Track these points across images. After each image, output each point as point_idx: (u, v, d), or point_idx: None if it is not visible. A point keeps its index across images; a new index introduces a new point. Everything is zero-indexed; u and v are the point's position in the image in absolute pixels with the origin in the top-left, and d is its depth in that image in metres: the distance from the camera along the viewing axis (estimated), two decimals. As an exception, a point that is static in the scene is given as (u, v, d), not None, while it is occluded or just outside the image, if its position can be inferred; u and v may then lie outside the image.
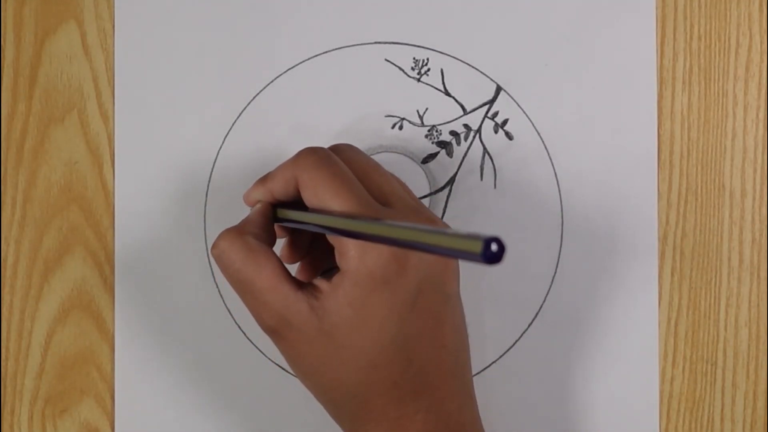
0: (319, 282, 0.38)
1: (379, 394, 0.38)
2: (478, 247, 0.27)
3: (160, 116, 0.47)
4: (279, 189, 0.39)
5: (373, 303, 0.37)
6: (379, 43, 0.47)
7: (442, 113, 0.46)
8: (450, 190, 0.46)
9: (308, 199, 0.38)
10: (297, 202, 0.40)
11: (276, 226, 0.41)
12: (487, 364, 0.46)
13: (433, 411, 0.38)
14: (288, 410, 0.46)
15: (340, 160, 0.39)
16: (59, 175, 0.47)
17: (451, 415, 0.39)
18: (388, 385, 0.38)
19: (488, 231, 0.46)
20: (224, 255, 0.38)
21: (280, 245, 0.41)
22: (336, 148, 0.40)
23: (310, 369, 0.38)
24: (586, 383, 0.46)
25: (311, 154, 0.39)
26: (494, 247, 0.27)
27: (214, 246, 0.39)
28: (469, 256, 0.27)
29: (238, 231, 0.39)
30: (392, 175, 0.41)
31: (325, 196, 0.37)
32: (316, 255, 0.42)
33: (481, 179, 0.46)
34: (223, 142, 0.47)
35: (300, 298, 0.37)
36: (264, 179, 0.40)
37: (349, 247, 0.37)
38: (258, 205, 0.40)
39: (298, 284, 0.38)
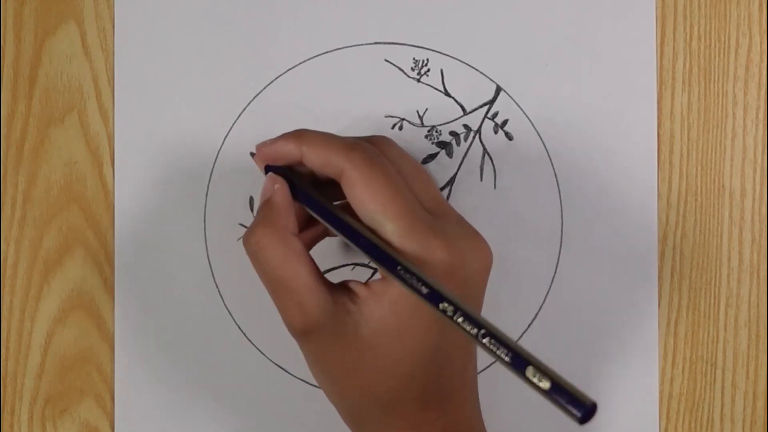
0: (355, 286, 0.37)
1: (407, 402, 0.37)
2: (580, 412, 0.30)
3: (160, 116, 0.47)
4: (314, 160, 0.37)
5: (420, 314, 0.36)
6: (379, 43, 0.47)
7: (442, 114, 0.46)
8: (450, 191, 0.46)
9: (358, 197, 0.36)
10: (299, 172, 0.38)
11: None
12: (488, 364, 0.46)
13: (452, 415, 0.38)
14: (288, 410, 0.46)
15: (389, 163, 0.37)
16: (59, 175, 0.47)
17: (466, 417, 0.39)
18: (418, 393, 0.37)
19: (488, 231, 0.46)
20: (262, 251, 0.37)
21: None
22: (376, 143, 0.39)
23: (339, 374, 0.37)
24: (586, 383, 0.46)
25: (362, 150, 0.37)
26: (590, 407, 0.30)
27: (249, 238, 0.37)
28: (567, 411, 0.30)
29: (275, 226, 0.37)
30: (430, 175, 0.40)
31: (379, 200, 0.36)
32: (311, 233, 0.41)
33: (481, 180, 0.46)
34: (223, 142, 0.47)
35: (337, 301, 0.36)
36: (299, 137, 0.38)
37: (406, 256, 0.35)
38: (278, 187, 0.38)
39: (334, 287, 0.37)
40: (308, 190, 0.39)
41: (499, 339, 0.32)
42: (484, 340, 0.32)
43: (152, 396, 0.47)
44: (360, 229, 0.37)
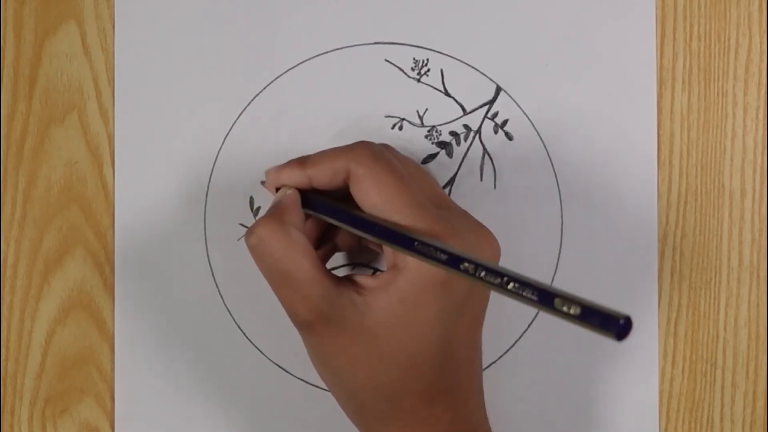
0: (361, 278, 0.37)
1: (413, 394, 0.37)
2: (614, 330, 0.30)
3: (160, 116, 0.47)
4: (321, 177, 0.38)
5: (427, 303, 0.36)
6: (379, 43, 0.47)
7: (442, 114, 0.46)
8: (450, 191, 0.46)
9: (364, 193, 0.36)
10: (312, 193, 0.39)
11: None
12: (488, 364, 0.46)
13: (458, 409, 0.38)
14: (288, 410, 0.46)
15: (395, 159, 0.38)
16: (59, 175, 0.47)
17: (472, 413, 0.39)
18: (423, 386, 0.37)
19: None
20: (264, 244, 0.37)
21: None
22: (382, 146, 0.39)
23: (343, 367, 0.37)
24: (586, 383, 0.46)
25: (367, 147, 0.37)
26: (623, 323, 0.30)
27: (250, 234, 0.37)
28: (603, 332, 0.30)
29: (278, 220, 0.37)
30: (431, 174, 0.40)
31: (386, 191, 0.36)
32: (325, 251, 0.42)
33: (481, 179, 0.46)
34: (223, 142, 0.47)
35: (342, 293, 0.36)
36: (302, 163, 0.38)
37: None
38: (290, 192, 0.38)
39: (338, 279, 0.37)
40: (317, 198, 0.39)
41: (522, 282, 0.33)
42: (509, 286, 0.33)
43: (152, 396, 0.47)
44: (371, 218, 0.37)
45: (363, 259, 0.46)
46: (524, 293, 0.32)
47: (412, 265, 0.36)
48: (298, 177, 0.38)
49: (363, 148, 0.37)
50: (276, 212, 0.38)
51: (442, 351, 0.37)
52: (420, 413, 0.37)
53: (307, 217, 0.40)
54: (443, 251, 0.34)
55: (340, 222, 0.38)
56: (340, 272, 0.46)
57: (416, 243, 0.35)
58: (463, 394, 0.38)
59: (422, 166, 0.40)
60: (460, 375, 0.38)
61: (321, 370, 0.39)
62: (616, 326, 0.30)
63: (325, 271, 0.37)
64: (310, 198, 0.39)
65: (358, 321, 0.36)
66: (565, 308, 0.31)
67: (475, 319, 0.38)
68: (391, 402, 0.37)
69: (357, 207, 0.38)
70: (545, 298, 0.32)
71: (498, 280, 0.33)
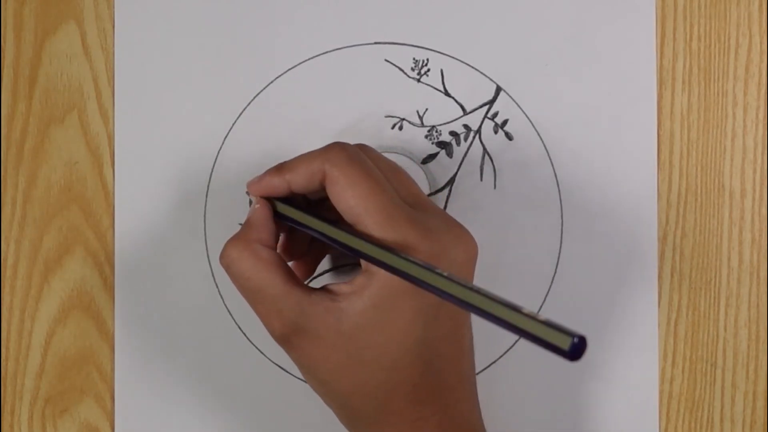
0: (335, 286, 0.37)
1: (399, 397, 0.37)
2: (566, 344, 0.28)
3: (160, 116, 0.47)
4: (299, 181, 0.38)
5: (402, 306, 0.36)
6: (379, 43, 0.47)
7: (442, 113, 0.46)
8: (450, 191, 0.46)
9: (338, 195, 0.37)
10: (293, 198, 0.39)
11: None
12: (487, 364, 0.46)
13: (448, 413, 0.38)
14: (288, 410, 0.46)
15: (369, 160, 0.38)
16: (59, 175, 0.47)
17: (464, 416, 0.38)
18: (409, 388, 0.37)
19: (488, 231, 0.46)
20: (233, 265, 0.38)
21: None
22: (359, 146, 0.39)
23: (327, 374, 0.37)
24: (586, 383, 0.46)
25: (342, 149, 0.37)
26: (577, 341, 0.27)
27: (222, 256, 0.38)
28: (551, 347, 0.28)
29: (245, 240, 0.38)
30: (408, 175, 0.40)
31: (358, 194, 0.36)
32: (314, 254, 0.42)
33: (481, 179, 0.46)
34: (223, 142, 0.47)
35: (315, 301, 0.36)
36: (280, 169, 0.39)
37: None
38: (257, 206, 0.39)
39: (311, 289, 0.37)
40: (288, 207, 0.39)
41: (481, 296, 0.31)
42: (467, 299, 0.32)
43: (152, 396, 0.47)
44: (337, 230, 0.37)
45: (346, 261, 0.46)
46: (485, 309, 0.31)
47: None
48: (277, 184, 0.39)
49: (338, 150, 0.37)
50: (243, 231, 0.38)
51: (424, 352, 0.37)
52: (408, 415, 0.37)
53: (292, 228, 0.40)
54: (398, 270, 0.34)
55: (312, 232, 0.38)
56: (342, 271, 0.46)
57: (376, 259, 0.35)
58: (452, 395, 0.38)
59: (398, 166, 0.40)
60: (446, 375, 0.38)
61: (310, 381, 0.39)
62: (569, 347, 0.28)
63: (297, 283, 0.37)
64: (285, 208, 0.39)
65: (335, 328, 0.36)
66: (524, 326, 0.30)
67: (457, 319, 0.38)
68: (380, 406, 0.37)
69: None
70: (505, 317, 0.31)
71: (461, 297, 0.32)
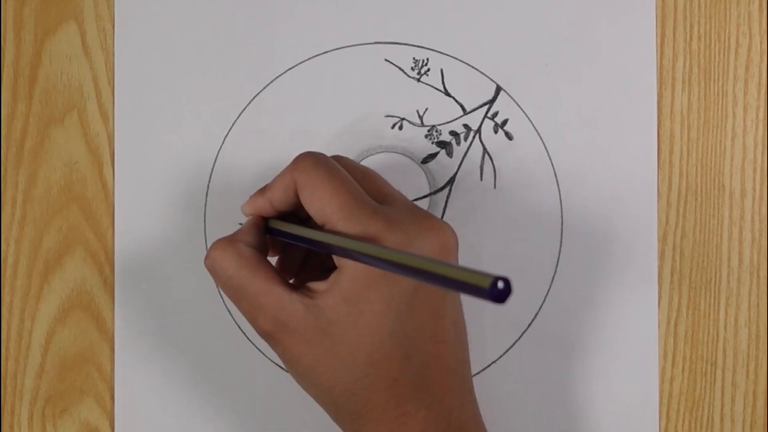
0: (314, 283, 0.38)
1: (379, 392, 0.38)
2: (486, 283, 0.28)
3: (160, 116, 0.47)
4: (278, 197, 0.39)
5: (370, 298, 0.37)
6: (379, 43, 0.47)
7: (442, 113, 0.46)
8: (450, 190, 0.46)
9: (306, 199, 0.38)
10: (292, 216, 0.40)
11: (270, 244, 0.41)
12: (487, 364, 0.46)
13: (435, 408, 0.38)
14: (288, 410, 0.46)
15: (338, 164, 0.39)
16: (59, 175, 0.47)
17: (453, 411, 0.38)
18: (388, 382, 0.38)
19: (488, 231, 0.46)
20: (216, 263, 0.39)
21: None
22: (333, 157, 0.41)
23: (308, 370, 0.38)
24: (586, 383, 0.46)
25: (308, 156, 0.39)
26: (501, 285, 0.28)
27: (206, 257, 0.39)
28: (475, 292, 0.28)
29: (229, 239, 0.39)
30: (381, 177, 0.41)
31: (324, 195, 0.37)
32: (310, 271, 0.42)
33: (481, 179, 0.46)
34: (223, 142, 0.47)
35: (294, 299, 0.38)
36: (263, 190, 0.40)
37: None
38: (250, 217, 0.41)
39: (292, 287, 0.38)
40: (275, 221, 0.40)
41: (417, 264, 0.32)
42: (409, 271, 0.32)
43: (152, 396, 0.47)
44: (306, 224, 0.39)
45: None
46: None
47: (351, 263, 0.37)
48: (261, 204, 0.40)
49: (304, 158, 0.39)
50: (230, 234, 0.39)
51: (400, 345, 0.38)
52: (391, 411, 0.38)
53: (286, 247, 0.42)
54: (353, 251, 0.35)
55: (290, 239, 0.39)
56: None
57: (332, 246, 0.36)
58: (437, 391, 0.38)
59: (372, 170, 0.41)
60: (429, 371, 0.38)
61: (295, 377, 0.40)
62: (489, 289, 0.28)
63: (279, 281, 0.38)
64: (274, 222, 0.40)
65: (312, 324, 0.37)
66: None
67: (433, 312, 0.38)
68: (361, 401, 0.38)
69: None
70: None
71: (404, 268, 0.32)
